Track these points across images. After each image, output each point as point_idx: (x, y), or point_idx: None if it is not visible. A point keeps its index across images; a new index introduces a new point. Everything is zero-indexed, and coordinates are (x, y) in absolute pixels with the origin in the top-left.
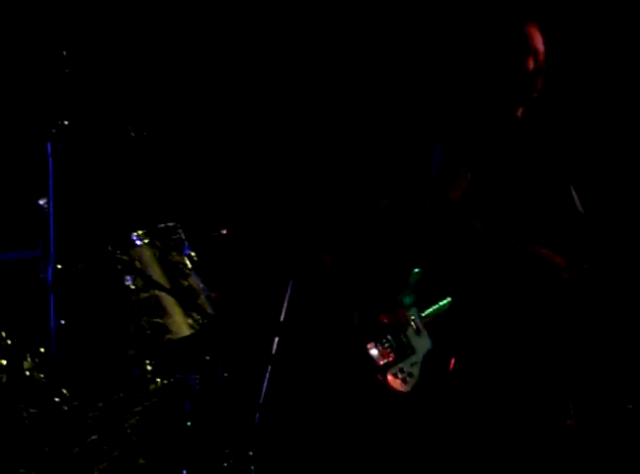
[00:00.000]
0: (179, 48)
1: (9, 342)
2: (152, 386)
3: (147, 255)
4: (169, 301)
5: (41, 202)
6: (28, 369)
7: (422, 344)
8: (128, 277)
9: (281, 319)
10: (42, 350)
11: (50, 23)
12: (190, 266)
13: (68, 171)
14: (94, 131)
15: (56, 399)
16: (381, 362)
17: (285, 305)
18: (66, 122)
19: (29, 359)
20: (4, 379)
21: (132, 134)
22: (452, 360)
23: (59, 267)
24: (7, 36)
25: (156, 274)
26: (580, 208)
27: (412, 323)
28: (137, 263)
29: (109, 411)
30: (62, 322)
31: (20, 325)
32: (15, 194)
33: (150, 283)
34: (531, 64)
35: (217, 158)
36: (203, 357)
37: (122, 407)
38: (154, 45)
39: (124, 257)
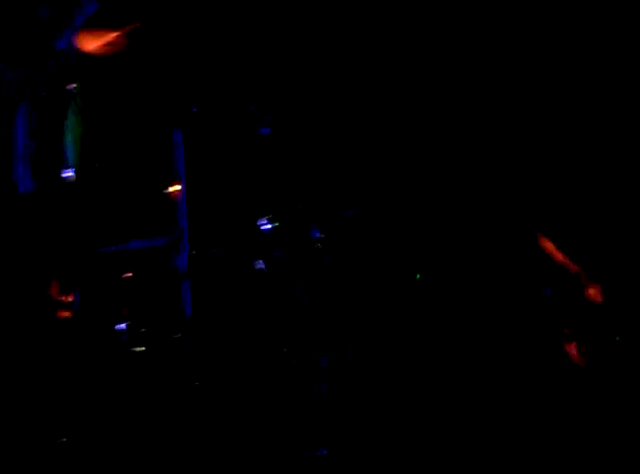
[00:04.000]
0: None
1: (144, 329)
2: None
3: (275, 238)
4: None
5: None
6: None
7: None
8: (260, 262)
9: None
10: (178, 336)
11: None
12: (319, 247)
13: (196, 158)
14: (221, 117)
15: (196, 383)
16: None
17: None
18: (194, 110)
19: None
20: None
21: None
22: None
23: (194, 253)
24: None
25: (285, 256)
26: None
27: None
28: (267, 246)
29: (242, 396)
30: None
31: (155, 313)
32: (144, 182)
33: (280, 267)
34: None
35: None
36: (336, 339)
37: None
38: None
39: (257, 241)
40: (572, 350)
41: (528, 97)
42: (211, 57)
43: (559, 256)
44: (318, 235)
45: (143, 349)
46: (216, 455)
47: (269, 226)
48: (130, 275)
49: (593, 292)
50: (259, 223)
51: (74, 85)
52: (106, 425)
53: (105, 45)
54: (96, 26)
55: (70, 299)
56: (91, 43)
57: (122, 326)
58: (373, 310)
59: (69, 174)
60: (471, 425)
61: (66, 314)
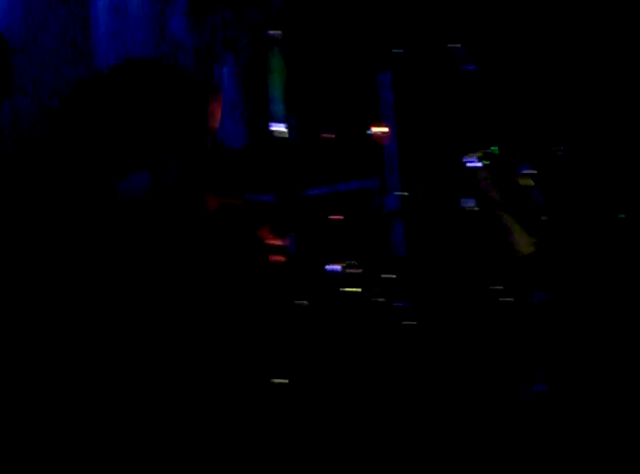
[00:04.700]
0: None
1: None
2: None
3: (486, 176)
4: (509, 221)
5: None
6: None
7: None
8: (469, 200)
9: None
10: (391, 276)
11: None
12: (529, 184)
13: (402, 99)
14: (426, 57)
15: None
16: None
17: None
18: (400, 51)
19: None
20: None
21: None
22: None
23: (404, 194)
24: None
25: (495, 194)
26: None
27: None
28: (476, 184)
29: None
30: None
31: (366, 254)
32: (351, 125)
33: (490, 204)
34: None
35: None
36: (548, 275)
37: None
38: None
39: (463, 179)
40: None
41: None
42: None
43: None
44: (528, 171)
45: (359, 290)
46: (432, 388)
47: (477, 164)
48: (341, 217)
49: None
50: (466, 161)
51: (278, 32)
52: (323, 364)
53: None
54: None
55: (282, 243)
56: None
57: (336, 268)
58: (585, 247)
59: (280, 128)
60: None
61: (279, 258)
